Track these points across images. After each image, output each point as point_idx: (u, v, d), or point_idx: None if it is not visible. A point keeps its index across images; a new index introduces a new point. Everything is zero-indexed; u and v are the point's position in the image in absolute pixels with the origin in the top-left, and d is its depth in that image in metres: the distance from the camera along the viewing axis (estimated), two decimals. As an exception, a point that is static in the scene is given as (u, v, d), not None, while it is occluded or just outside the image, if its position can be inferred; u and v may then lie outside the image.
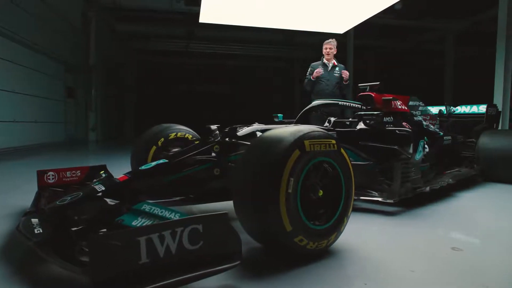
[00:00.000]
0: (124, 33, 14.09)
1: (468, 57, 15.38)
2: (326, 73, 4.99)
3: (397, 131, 2.78)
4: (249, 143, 2.25)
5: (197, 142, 2.89)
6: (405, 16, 11.63)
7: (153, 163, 2.13)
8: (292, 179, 1.53)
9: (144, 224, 1.55)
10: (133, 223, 1.56)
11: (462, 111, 4.87)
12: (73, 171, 2.55)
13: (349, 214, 1.82)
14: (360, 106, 3.15)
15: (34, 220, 1.76)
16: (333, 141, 1.74)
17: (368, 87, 3.54)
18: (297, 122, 3.14)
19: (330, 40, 5.07)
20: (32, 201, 2.13)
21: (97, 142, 11.09)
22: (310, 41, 13.16)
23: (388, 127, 2.85)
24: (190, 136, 2.98)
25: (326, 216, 1.74)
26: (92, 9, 10.96)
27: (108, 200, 1.84)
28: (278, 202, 1.49)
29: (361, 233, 2.12)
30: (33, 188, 2.34)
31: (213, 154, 2.27)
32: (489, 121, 4.61)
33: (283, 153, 1.53)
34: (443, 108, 4.84)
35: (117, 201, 1.82)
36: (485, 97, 6.77)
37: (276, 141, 1.59)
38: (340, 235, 1.78)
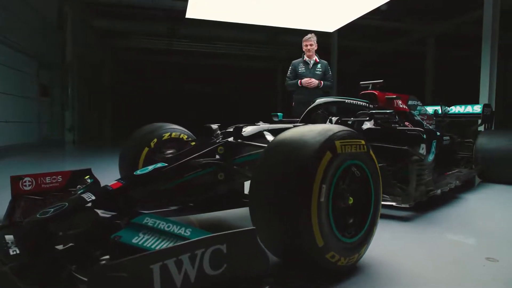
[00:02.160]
0: (103, 30, 13.52)
1: (449, 59, 15.69)
2: (307, 71, 4.78)
3: (408, 131, 2.62)
4: (256, 144, 2.03)
5: (193, 143, 2.65)
6: (388, 18, 11.69)
7: (150, 167, 1.86)
8: (324, 186, 1.31)
9: (147, 242, 1.30)
10: (134, 241, 1.30)
11: (456, 111, 4.81)
12: (54, 176, 2.23)
13: (377, 223, 1.62)
14: (367, 104, 2.98)
15: (9, 237, 1.45)
16: (363, 142, 1.53)
17: (370, 85, 3.39)
18: (302, 121, 2.93)
19: (309, 36, 4.82)
20: (4, 212, 1.82)
21: (74, 143, 10.54)
22: (295, 40, 13.04)
23: (398, 126, 2.68)
24: (185, 136, 2.71)
25: (355, 226, 1.53)
26: (68, 3, 10.40)
27: (99, 211, 1.56)
28: (309, 214, 1.27)
29: (384, 242, 1.92)
30: (6, 196, 2.01)
31: (217, 157, 2.02)
32: (485, 121, 4.57)
33: (314, 156, 1.31)
34: (438, 108, 4.76)
35: (111, 213, 1.54)
36: (466, 97, 6.82)
37: (303, 142, 1.37)
38: (368, 247, 1.58)
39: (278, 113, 3.20)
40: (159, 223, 1.36)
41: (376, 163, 1.62)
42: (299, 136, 1.43)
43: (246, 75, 19.35)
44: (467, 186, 3.78)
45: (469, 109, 4.73)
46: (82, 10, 11.35)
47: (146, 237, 1.32)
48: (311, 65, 4.79)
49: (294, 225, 1.28)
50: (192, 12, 6.77)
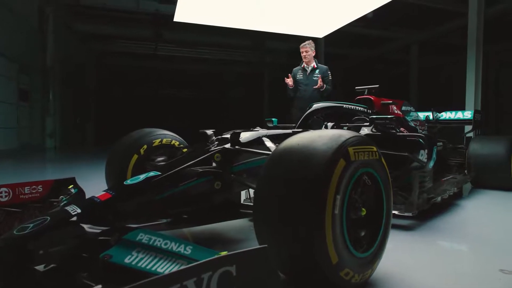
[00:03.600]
0: (86, 34, 13.21)
1: (431, 66, 16.01)
2: (304, 77, 4.80)
3: (408, 137, 2.55)
4: (255, 150, 1.91)
5: (185, 149, 2.51)
6: (373, 26, 11.84)
7: (142, 176, 1.71)
8: (338, 196, 1.20)
9: (142, 262, 1.16)
10: (126, 261, 1.16)
11: (447, 117, 4.82)
12: (33, 186, 2.04)
13: (389, 234, 1.52)
14: (365, 109, 2.90)
15: (-19, 257, 1.28)
16: (375, 148, 1.44)
17: (366, 90, 3.33)
18: (299, 127, 2.83)
19: (306, 43, 4.86)
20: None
21: (55, 149, 10.16)
22: (281, 47, 13.05)
23: (398, 132, 2.61)
24: (177, 142, 2.56)
25: (367, 239, 1.43)
26: (49, 6, 10.09)
27: (86, 226, 1.40)
28: (323, 228, 1.15)
29: (391, 254, 1.82)
30: (-20, 210, 1.82)
31: (214, 164, 1.89)
32: (476, 126, 4.59)
33: (327, 164, 1.20)
34: (429, 114, 4.76)
35: (100, 228, 1.39)
36: (448, 103, 6.89)
37: (314, 149, 1.26)
38: (380, 261, 1.47)
39: (273, 119, 3.09)
40: (155, 239, 1.21)
41: (387, 171, 1.52)
42: (308, 142, 1.31)
43: (233, 80, 19.26)
44: (459, 192, 3.75)
45: (459, 115, 4.75)
46: (64, 14, 11.04)
47: (140, 256, 1.18)
48: (308, 72, 4.80)
49: (306, 241, 1.16)
50: (180, 15, 6.63)
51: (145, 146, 2.39)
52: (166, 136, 2.53)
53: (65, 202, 1.80)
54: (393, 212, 2.32)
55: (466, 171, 4.06)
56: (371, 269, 1.39)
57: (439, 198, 2.69)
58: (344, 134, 1.34)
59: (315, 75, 4.76)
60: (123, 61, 16.71)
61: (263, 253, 0.99)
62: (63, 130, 11.27)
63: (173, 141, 2.54)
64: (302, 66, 4.86)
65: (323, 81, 4.70)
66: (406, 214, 2.31)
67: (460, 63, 7.59)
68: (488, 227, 2.53)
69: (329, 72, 4.86)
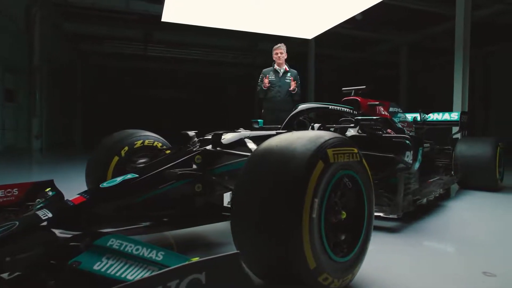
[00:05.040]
0: (74, 33, 13.02)
1: (419, 68, 16.18)
2: (277, 79, 4.77)
3: (394, 138, 2.53)
4: (237, 152, 1.87)
5: (168, 151, 2.46)
6: (363, 28, 11.91)
7: (119, 179, 1.66)
8: (316, 200, 1.17)
9: (112, 268, 1.11)
10: (95, 267, 1.11)
11: (434, 119, 4.84)
12: (8, 189, 1.97)
13: (370, 238, 1.49)
14: (351, 110, 2.89)
15: None
16: (355, 150, 1.41)
17: (353, 91, 3.32)
18: (284, 128, 2.80)
19: (279, 44, 4.88)
20: None
21: (42, 151, 9.97)
22: (271, 48, 13.02)
23: (382, 134, 2.60)
24: (160, 144, 2.51)
25: (348, 243, 1.40)
26: (36, 4, 9.91)
27: (57, 231, 1.35)
28: (300, 232, 1.12)
29: (374, 257, 1.80)
30: (-50, 214, 1.74)
31: (194, 166, 1.84)
32: (463, 128, 4.62)
33: (305, 166, 1.17)
34: (417, 115, 4.78)
35: (71, 233, 1.33)
36: (436, 104, 6.95)
37: (292, 151, 1.22)
38: (362, 265, 1.44)
39: (259, 120, 3.06)
40: (126, 245, 1.16)
41: (369, 173, 1.50)
42: (287, 144, 1.28)
43: (225, 82, 19.21)
44: (446, 194, 3.76)
45: (446, 116, 4.78)
46: (51, 13, 10.87)
47: (110, 262, 1.13)
48: (281, 74, 4.80)
49: (283, 246, 1.12)
50: (168, 15, 6.56)
51: (126, 148, 2.34)
52: (149, 137, 2.48)
53: (39, 206, 1.73)
54: (378, 214, 2.31)
55: (452, 172, 4.08)
56: (352, 273, 1.36)
57: (424, 200, 2.68)
58: (324, 135, 1.31)
59: (287, 77, 4.77)
60: (112, 61, 16.52)
61: (235, 259, 0.95)
62: (50, 132, 11.08)
63: (156, 143, 2.49)
64: (274, 67, 4.85)
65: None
66: (391, 216, 2.29)
67: (451, 65, 7.65)
68: (473, 229, 2.54)
69: (298, 77, 4.87)
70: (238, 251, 0.95)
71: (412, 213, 2.64)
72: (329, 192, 1.25)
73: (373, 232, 2.22)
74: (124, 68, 17.01)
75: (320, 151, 1.22)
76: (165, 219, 1.86)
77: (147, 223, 1.79)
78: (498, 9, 10.00)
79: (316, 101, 3.45)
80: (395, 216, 2.29)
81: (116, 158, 2.30)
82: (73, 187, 2.24)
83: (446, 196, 3.66)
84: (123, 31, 12.75)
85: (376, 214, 2.34)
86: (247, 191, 1.24)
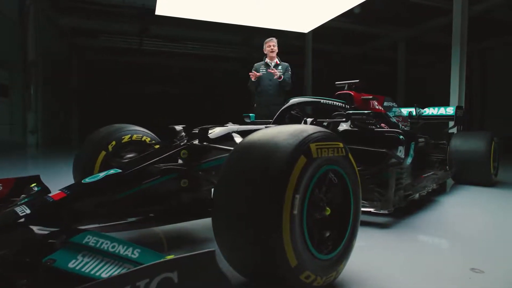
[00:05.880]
0: (69, 28, 12.91)
1: (417, 63, 16.12)
2: (268, 72, 4.74)
3: (386, 132, 2.50)
4: (225, 147, 1.84)
5: (157, 146, 2.42)
6: (361, 22, 11.84)
7: (102, 174, 1.63)
8: (297, 196, 1.14)
9: (87, 266, 1.08)
10: (70, 265, 1.08)
11: (430, 113, 4.81)
12: (-8, 185, 1.94)
13: (357, 235, 1.46)
14: (343, 104, 2.85)
15: None
16: (341, 144, 1.37)
17: (346, 85, 3.28)
18: (275, 123, 2.76)
19: (271, 38, 4.89)
20: None
21: (37, 146, 9.92)
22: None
23: (375, 128, 2.56)
24: (148, 139, 2.47)
25: (332, 240, 1.37)
26: (30, -2, 9.80)
27: (35, 228, 1.31)
28: (280, 229, 1.09)
29: (363, 252, 1.77)
30: None
31: (180, 162, 1.81)
32: (458, 122, 4.59)
33: (286, 161, 1.13)
34: (412, 109, 4.74)
35: (49, 230, 1.30)
36: (434, 99, 6.92)
37: (274, 145, 1.19)
38: (347, 262, 1.42)
39: (250, 114, 3.02)
40: (103, 242, 1.14)
41: (356, 168, 1.47)
42: (268, 138, 1.24)
43: (221, 77, 19.09)
44: (441, 188, 3.74)
45: (442, 111, 4.74)
46: (46, 7, 10.75)
47: (86, 260, 1.10)
48: (272, 67, 4.77)
49: (263, 244, 1.10)
50: (162, 9, 6.47)
51: (113, 142, 2.30)
52: (137, 132, 2.44)
53: (21, 202, 1.70)
54: (369, 209, 2.29)
55: (447, 167, 4.06)
56: (336, 271, 1.33)
57: (417, 195, 2.66)
58: (307, 129, 1.28)
59: (278, 70, 4.75)
60: (108, 56, 16.39)
61: (210, 257, 0.92)
62: (45, 127, 11.00)
63: (144, 137, 2.45)
64: (265, 61, 4.84)
65: (284, 75, 4.69)
66: (382, 211, 2.26)
67: (449, 60, 7.61)
68: (465, 224, 2.52)
69: (289, 68, 4.83)
70: (213, 249, 0.91)
71: (404, 208, 2.61)
72: (311, 188, 1.22)
73: (363, 227, 2.23)
74: (120, 63, 16.87)
75: (302, 146, 1.18)
76: (151, 215, 1.83)
77: (133, 219, 1.77)
78: (495, 3, 9.93)
79: (313, 95, 3.42)
80: (386, 212, 2.26)
81: (103, 153, 2.26)
82: (64, 182, 2.20)
83: (441, 191, 3.64)
84: (119, 26, 12.62)
85: (367, 209, 2.32)
86: (227, 187, 1.21)
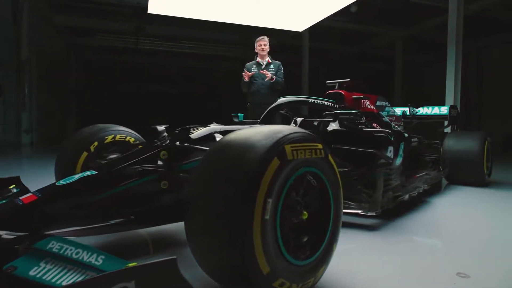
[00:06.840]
0: (65, 26, 12.81)
1: (414, 62, 16.08)
2: (260, 72, 4.70)
3: (375, 132, 2.46)
4: (206, 148, 1.79)
5: (141, 146, 2.37)
6: (358, 21, 11.78)
7: (77, 176, 1.58)
8: (270, 200, 1.09)
9: (48, 274, 1.03)
10: (31, 273, 1.03)
11: (424, 113, 4.77)
12: (-30, 186, 1.88)
13: (337, 239, 1.42)
14: (332, 104, 2.81)
15: None
16: (320, 146, 1.33)
17: (337, 84, 3.24)
18: (262, 123, 2.71)
19: (262, 37, 4.86)
20: None
21: (32, 146, 9.84)
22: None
23: (365, 128, 2.52)
24: (133, 139, 2.42)
25: (311, 244, 1.32)
26: (24, -4, 9.71)
27: (3, 233, 1.26)
28: (250, 235, 1.04)
29: (348, 255, 1.73)
30: None
31: (160, 163, 1.76)
32: (451, 122, 4.56)
33: (258, 163, 1.09)
34: (406, 109, 4.70)
35: (16, 234, 1.25)
36: (431, 98, 6.87)
37: (246, 147, 1.14)
38: (327, 267, 1.37)
39: (239, 114, 2.97)
40: (67, 248, 1.09)
41: (336, 170, 1.42)
42: (244, 138, 1.20)
43: (219, 76, 19.01)
44: (434, 188, 3.70)
45: (436, 110, 4.70)
46: (40, 5, 10.66)
47: (48, 267, 1.06)
48: (263, 66, 4.75)
49: (234, 250, 1.05)
50: (154, 7, 6.41)
51: (96, 143, 2.25)
52: (121, 132, 2.39)
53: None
54: (357, 211, 2.24)
55: (440, 167, 4.02)
56: (315, 276, 1.29)
57: (406, 196, 2.62)
58: (283, 130, 1.23)
59: (270, 69, 4.72)
60: (104, 55, 16.29)
61: (171, 265, 0.88)
62: (41, 126, 10.93)
63: (128, 138, 2.40)
64: (256, 60, 4.80)
65: (276, 75, 4.66)
66: (369, 213, 2.22)
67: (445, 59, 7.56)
68: (455, 226, 2.47)
69: (281, 67, 4.79)
70: (175, 257, 0.87)
71: (394, 210, 2.57)
72: (286, 191, 1.17)
73: (350, 229, 2.18)
74: (116, 62, 16.78)
75: (276, 147, 1.14)
76: (132, 217, 1.79)
77: (113, 221, 1.72)
78: (490, 2, 9.89)
79: (310, 94, 3.37)
80: (373, 214, 2.22)
81: (85, 154, 2.21)
82: (50, 182, 2.15)
83: (435, 191, 3.60)
84: (115, 24, 12.54)
85: (354, 211, 2.27)
86: (199, 190, 1.16)
